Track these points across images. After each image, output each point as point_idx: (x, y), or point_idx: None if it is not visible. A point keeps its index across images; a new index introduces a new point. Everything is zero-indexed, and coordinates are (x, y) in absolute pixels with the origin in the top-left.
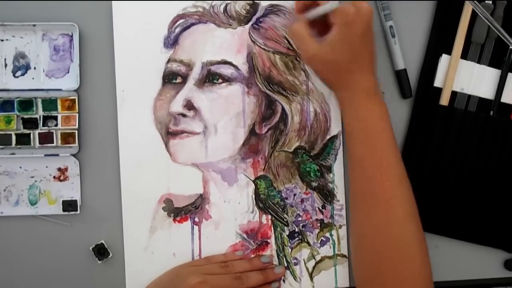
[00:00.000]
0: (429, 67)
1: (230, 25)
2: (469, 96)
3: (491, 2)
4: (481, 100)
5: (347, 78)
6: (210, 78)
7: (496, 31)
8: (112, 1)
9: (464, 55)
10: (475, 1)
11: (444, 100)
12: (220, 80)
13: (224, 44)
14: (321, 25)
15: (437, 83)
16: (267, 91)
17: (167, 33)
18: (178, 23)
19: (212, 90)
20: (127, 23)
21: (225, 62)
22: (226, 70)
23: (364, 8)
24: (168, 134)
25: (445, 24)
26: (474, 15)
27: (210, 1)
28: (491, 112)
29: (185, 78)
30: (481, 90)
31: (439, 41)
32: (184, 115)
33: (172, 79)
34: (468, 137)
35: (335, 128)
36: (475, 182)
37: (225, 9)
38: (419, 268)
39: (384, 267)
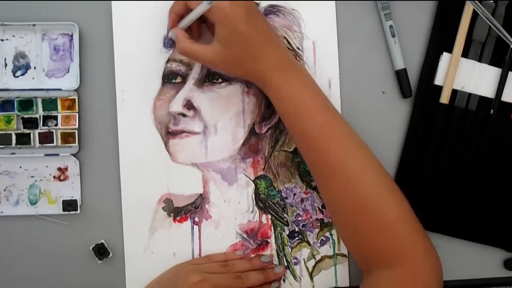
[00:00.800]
0: (429, 65)
1: None
2: (470, 94)
3: (492, 1)
4: (482, 99)
5: (254, 66)
6: (209, 77)
7: (496, 30)
8: (112, 1)
9: (465, 54)
10: (476, 1)
11: (445, 98)
12: (219, 80)
13: None
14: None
15: (438, 81)
16: None
17: (167, 33)
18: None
19: (212, 89)
20: (126, 23)
21: None
22: None
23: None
24: (168, 134)
25: (446, 22)
26: (475, 13)
27: (210, 1)
28: (492, 111)
29: (184, 78)
30: (481, 88)
31: (440, 40)
32: (184, 115)
33: (172, 78)
34: (468, 135)
35: None
36: (475, 180)
37: None
38: (398, 214)
39: (362, 224)
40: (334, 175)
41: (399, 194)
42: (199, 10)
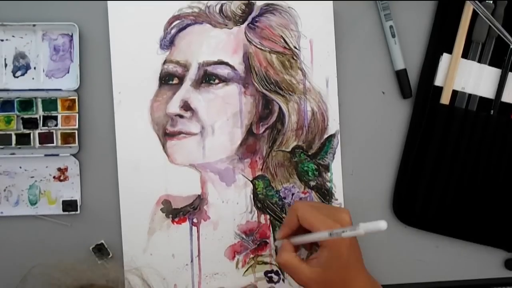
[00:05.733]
0: (430, 66)
1: (226, 25)
2: (470, 95)
3: (491, 2)
4: (482, 99)
5: None
6: (206, 78)
7: (496, 30)
8: (108, 2)
9: (465, 54)
10: (476, 1)
11: (445, 99)
12: (216, 81)
13: (220, 45)
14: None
15: (438, 82)
16: (264, 91)
17: (163, 34)
18: (174, 24)
19: (208, 90)
20: (123, 24)
21: (221, 63)
22: (223, 71)
23: (346, 222)
24: (166, 135)
25: (446, 23)
26: (475, 14)
27: (206, 2)
28: (492, 112)
29: (181, 79)
30: (481, 89)
31: (439, 40)
32: (181, 116)
33: (169, 80)
34: (469, 136)
35: (332, 127)
36: (475, 181)
37: (220, 9)
38: None
39: None
40: None
41: None
42: (316, 236)
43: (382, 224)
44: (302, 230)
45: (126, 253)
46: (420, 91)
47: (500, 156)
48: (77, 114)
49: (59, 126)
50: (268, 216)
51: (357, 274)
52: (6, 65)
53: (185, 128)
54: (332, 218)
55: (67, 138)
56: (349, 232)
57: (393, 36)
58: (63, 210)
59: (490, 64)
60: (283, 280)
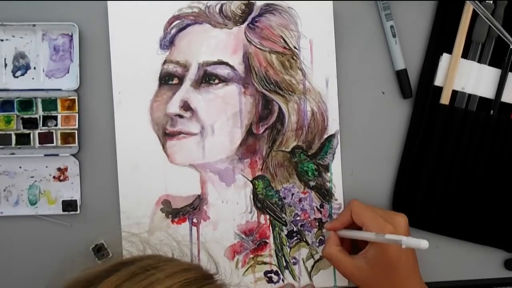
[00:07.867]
0: (429, 66)
1: (226, 25)
2: (470, 95)
3: (491, 2)
4: (482, 100)
5: None
6: (206, 78)
7: (496, 30)
8: (108, 2)
9: (465, 54)
10: (476, 1)
11: (445, 99)
12: (216, 81)
13: (220, 45)
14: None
15: (438, 82)
16: (264, 91)
17: (163, 34)
18: (173, 24)
19: (208, 90)
20: (122, 24)
21: (221, 63)
22: (223, 71)
23: (401, 226)
24: (165, 135)
25: (446, 23)
26: (474, 14)
27: (206, 2)
28: (492, 112)
29: (181, 79)
30: (481, 89)
31: (439, 40)
32: (181, 116)
33: (169, 80)
34: (469, 136)
35: (332, 127)
36: (475, 181)
37: (220, 9)
38: None
39: None
40: None
41: None
42: (366, 236)
43: (423, 244)
44: (354, 227)
45: (125, 254)
46: (420, 91)
47: (500, 156)
48: (77, 114)
49: (59, 126)
50: (268, 216)
51: (408, 278)
52: (6, 65)
53: (185, 128)
54: (386, 219)
55: (67, 138)
56: (391, 238)
57: (394, 36)
58: (63, 210)
59: (490, 64)
60: (282, 280)
